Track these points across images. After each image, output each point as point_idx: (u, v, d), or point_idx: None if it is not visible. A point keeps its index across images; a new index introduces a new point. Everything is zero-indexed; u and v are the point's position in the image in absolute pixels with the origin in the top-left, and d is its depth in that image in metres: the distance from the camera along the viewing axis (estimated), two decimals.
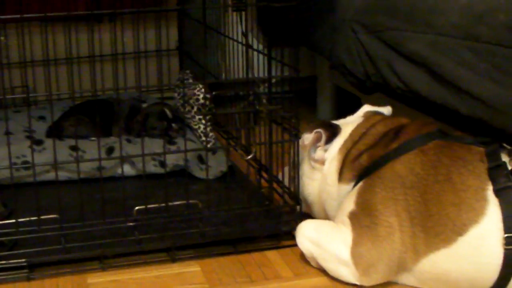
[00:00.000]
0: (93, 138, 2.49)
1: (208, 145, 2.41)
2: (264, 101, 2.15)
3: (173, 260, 1.98)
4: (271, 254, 2.03)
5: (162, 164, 2.36)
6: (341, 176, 1.97)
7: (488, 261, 1.69)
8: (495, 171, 1.71)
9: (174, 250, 2.00)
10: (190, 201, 2.04)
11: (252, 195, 2.22)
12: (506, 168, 1.71)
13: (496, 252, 1.68)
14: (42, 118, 2.77)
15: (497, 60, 1.83)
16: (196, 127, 2.61)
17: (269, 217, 2.12)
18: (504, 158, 1.74)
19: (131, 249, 1.99)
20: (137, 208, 2.01)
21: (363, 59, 2.43)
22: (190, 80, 2.69)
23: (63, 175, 2.35)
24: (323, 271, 1.89)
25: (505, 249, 1.66)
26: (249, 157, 2.27)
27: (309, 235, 1.90)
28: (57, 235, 1.95)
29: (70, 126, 2.57)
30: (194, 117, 2.60)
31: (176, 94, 2.81)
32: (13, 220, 1.97)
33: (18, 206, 2.04)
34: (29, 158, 2.29)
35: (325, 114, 3.23)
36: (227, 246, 2.04)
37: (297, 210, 2.10)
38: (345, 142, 2.01)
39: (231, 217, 2.09)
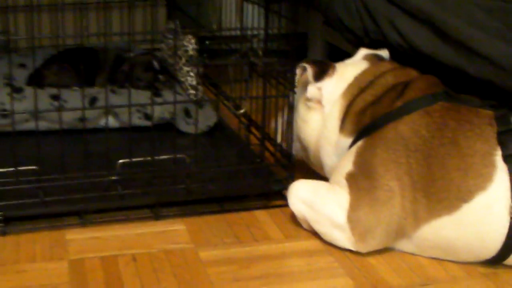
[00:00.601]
0: (75, 88, 2.37)
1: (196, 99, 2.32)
2: (260, 53, 2.05)
3: (157, 218, 1.89)
4: (260, 214, 1.94)
5: (147, 116, 2.28)
6: (342, 126, 1.86)
7: (492, 230, 1.61)
8: (505, 136, 1.62)
9: (158, 207, 1.91)
10: (178, 156, 1.95)
11: (242, 152, 2.14)
12: None
13: (502, 221, 1.60)
14: (22, 65, 2.65)
15: (510, 19, 1.73)
16: (184, 79, 2.51)
17: (259, 175, 2.03)
18: None
19: (113, 204, 1.90)
20: (121, 161, 1.91)
21: (362, 15, 2.33)
22: (179, 31, 2.58)
23: (43, 124, 2.23)
24: (315, 234, 1.81)
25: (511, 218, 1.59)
26: (240, 111, 2.17)
27: (302, 195, 1.81)
28: (35, 187, 1.86)
29: (51, 74, 2.46)
30: (181, 68, 2.50)
31: (164, 45, 2.71)
32: None
33: None
34: (8, 106, 2.20)
35: None
36: (214, 205, 1.95)
37: (290, 168, 2.00)
38: (350, 86, 1.89)
39: (219, 174, 2.00)
